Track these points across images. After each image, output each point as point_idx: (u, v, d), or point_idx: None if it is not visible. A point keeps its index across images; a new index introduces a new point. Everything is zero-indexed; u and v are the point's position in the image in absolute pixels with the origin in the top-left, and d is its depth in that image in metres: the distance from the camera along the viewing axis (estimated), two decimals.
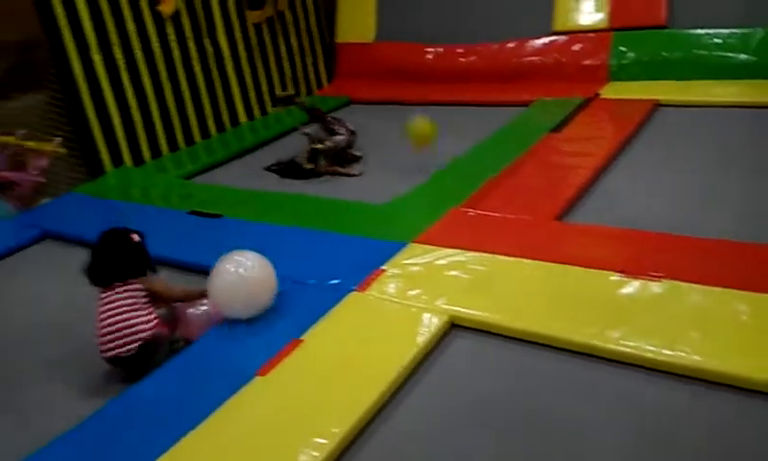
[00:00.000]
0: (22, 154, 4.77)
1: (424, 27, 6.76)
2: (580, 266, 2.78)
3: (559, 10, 6.08)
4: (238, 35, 6.16)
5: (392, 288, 2.84)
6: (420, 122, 4.37)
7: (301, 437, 2.07)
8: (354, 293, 2.85)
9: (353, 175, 4.63)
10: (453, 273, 2.91)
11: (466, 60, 6.42)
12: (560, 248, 2.98)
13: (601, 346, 2.33)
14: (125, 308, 2.63)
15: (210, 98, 5.93)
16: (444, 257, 3.02)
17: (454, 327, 2.62)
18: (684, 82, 5.32)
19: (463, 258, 3.00)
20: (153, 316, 2.68)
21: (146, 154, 5.43)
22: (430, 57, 6.65)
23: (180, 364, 2.60)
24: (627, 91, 5.35)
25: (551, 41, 6.05)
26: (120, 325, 2.60)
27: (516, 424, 2.12)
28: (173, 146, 5.65)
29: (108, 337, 2.60)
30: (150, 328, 2.63)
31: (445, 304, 2.68)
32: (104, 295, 2.68)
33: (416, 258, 3.05)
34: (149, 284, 2.75)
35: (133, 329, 2.60)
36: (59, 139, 4.92)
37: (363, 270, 2.99)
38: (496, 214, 3.41)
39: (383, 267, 3.00)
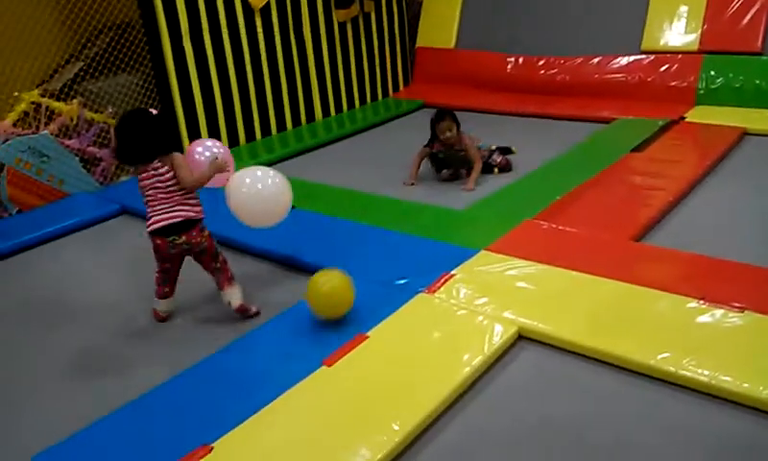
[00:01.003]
0: (108, 131, 4.96)
1: (506, 37, 6.71)
2: (656, 289, 2.70)
3: (649, 28, 5.94)
4: (323, 32, 6.25)
5: (460, 294, 2.83)
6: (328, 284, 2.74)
7: (363, 431, 2.09)
8: (422, 294, 2.85)
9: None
10: (523, 284, 2.87)
11: (546, 73, 6.34)
12: (636, 269, 2.90)
13: (674, 372, 2.25)
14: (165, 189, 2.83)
15: (290, 92, 6.04)
16: (516, 268, 2.99)
17: (521, 338, 2.59)
18: None
19: (534, 270, 2.96)
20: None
21: (224, 141, 5.57)
22: (510, 67, 6.59)
23: (248, 344, 2.66)
24: (714, 117, 5.17)
25: (637, 60, 5.91)
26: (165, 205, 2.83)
27: (577, 445, 2.07)
28: (250, 136, 5.78)
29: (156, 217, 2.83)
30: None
31: (513, 315, 2.64)
32: (141, 178, 2.85)
33: (487, 266, 3.03)
34: (177, 165, 2.84)
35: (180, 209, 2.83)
36: None
37: (433, 273, 2.98)
38: (572, 229, 3.35)
39: (453, 272, 2.99)
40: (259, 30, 5.67)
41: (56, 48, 5.03)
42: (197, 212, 2.89)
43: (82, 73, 5.01)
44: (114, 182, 4.98)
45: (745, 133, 4.86)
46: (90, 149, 4.89)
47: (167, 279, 3.00)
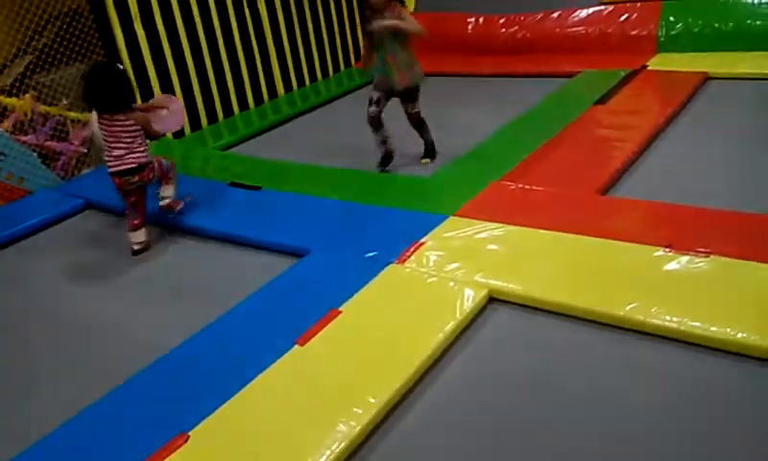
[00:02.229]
0: (65, 124, 4.84)
1: None
2: (624, 241, 2.72)
3: None
4: (278, 5, 6.13)
5: (430, 261, 2.82)
6: None
7: (339, 407, 2.08)
8: (393, 265, 2.84)
9: None
10: (493, 247, 2.86)
11: (507, 31, 6.30)
12: (603, 222, 2.91)
13: (643, 320, 2.28)
14: (125, 137, 3.42)
15: (249, 70, 5.93)
16: (485, 231, 2.98)
17: (492, 300, 2.59)
18: (736, 53, 5.14)
19: (503, 232, 2.95)
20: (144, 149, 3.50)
21: (186, 126, 5.47)
22: (470, 27, 6.54)
23: (220, 329, 2.63)
24: (675, 63, 5.19)
25: (596, 11, 5.90)
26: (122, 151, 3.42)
27: (553, 397, 2.09)
28: (212, 118, 5.68)
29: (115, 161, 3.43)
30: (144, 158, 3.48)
31: (484, 278, 2.65)
32: (102, 122, 3.42)
33: (455, 232, 3.02)
34: (135, 118, 3.44)
35: (133, 155, 3.43)
36: None
37: (402, 243, 2.97)
38: (538, 188, 3.35)
39: (423, 240, 2.98)
40: (212, 8, 5.54)
41: (1, 43, 4.87)
42: (147, 157, 3.49)
43: (32, 66, 4.86)
44: (76, 176, 4.87)
45: (707, 78, 4.89)
46: (48, 143, 4.77)
47: (135, 213, 3.53)
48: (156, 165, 3.57)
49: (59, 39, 4.82)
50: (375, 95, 4.01)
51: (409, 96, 4.01)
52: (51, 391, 2.57)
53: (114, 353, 2.72)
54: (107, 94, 3.38)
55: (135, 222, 3.53)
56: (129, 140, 3.42)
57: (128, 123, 3.41)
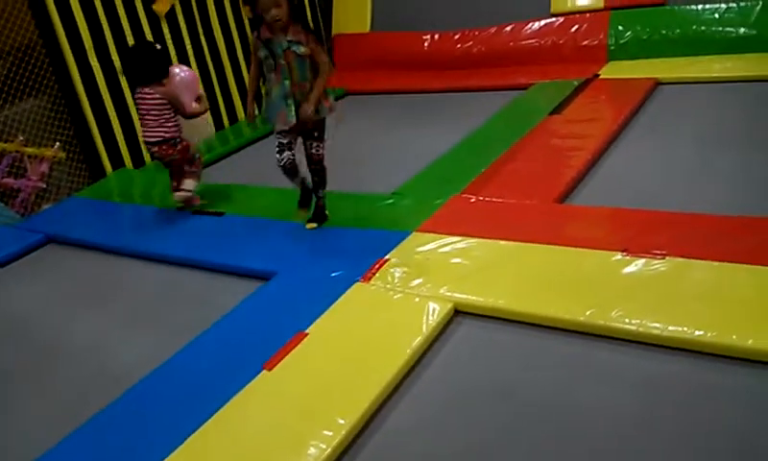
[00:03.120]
0: (22, 160, 4.78)
1: (420, 15, 6.74)
2: (582, 248, 2.78)
3: None
4: (234, 30, 6.15)
5: (395, 278, 2.84)
6: None
7: (309, 430, 2.08)
8: (358, 284, 2.86)
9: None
10: (456, 260, 2.90)
11: (462, 47, 6.39)
12: (562, 230, 2.97)
13: (604, 324, 2.33)
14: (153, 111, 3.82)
15: (208, 95, 5.91)
16: (447, 245, 3.02)
17: (458, 313, 2.62)
18: (684, 58, 5.29)
19: (465, 245, 2.99)
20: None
21: (146, 155, 5.42)
22: (426, 44, 6.62)
23: (187, 358, 2.62)
24: (626, 71, 5.32)
25: (548, 23, 6.02)
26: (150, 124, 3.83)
27: (521, 408, 2.12)
28: None
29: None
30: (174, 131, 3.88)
31: (449, 292, 2.68)
32: (135, 96, 3.87)
33: (419, 247, 3.05)
34: (161, 92, 3.80)
35: (159, 130, 3.83)
36: (58, 144, 4.94)
37: (366, 261, 2.99)
38: (498, 199, 3.40)
39: (386, 257, 3.00)
40: (168, 37, 5.53)
41: None
42: (171, 133, 3.84)
43: None
44: (36, 212, 4.80)
45: (658, 83, 5.02)
46: (5, 180, 4.70)
47: (172, 179, 4.06)
48: (181, 147, 3.89)
49: (11, 75, 4.77)
50: (285, 139, 3.23)
51: (313, 134, 3.32)
52: (18, 426, 2.53)
53: (82, 384, 2.70)
54: (133, 68, 3.86)
55: (174, 183, 4.03)
56: (155, 114, 3.79)
57: (156, 96, 3.78)
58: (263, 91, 3.36)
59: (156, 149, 3.85)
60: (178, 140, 3.88)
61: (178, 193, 3.98)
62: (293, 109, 3.16)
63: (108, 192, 4.86)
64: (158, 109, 3.79)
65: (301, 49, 3.09)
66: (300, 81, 3.14)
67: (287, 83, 3.12)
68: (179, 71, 4.05)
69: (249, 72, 3.54)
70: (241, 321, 2.80)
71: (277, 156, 3.25)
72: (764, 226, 2.72)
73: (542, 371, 2.27)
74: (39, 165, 4.83)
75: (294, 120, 3.17)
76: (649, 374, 2.16)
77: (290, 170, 3.29)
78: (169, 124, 3.83)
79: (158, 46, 3.96)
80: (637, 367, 2.19)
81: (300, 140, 3.34)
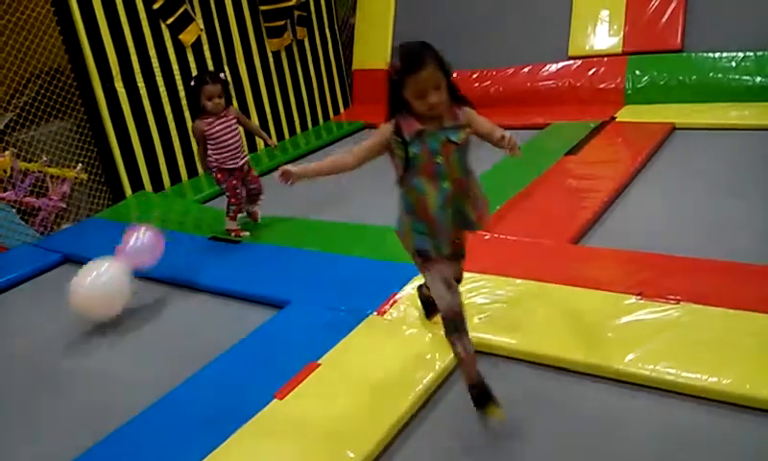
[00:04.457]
0: (44, 180, 4.87)
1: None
2: (596, 289, 2.79)
3: (574, 35, 6.13)
4: (258, 62, 6.27)
5: (410, 311, 2.86)
6: None
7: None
8: (372, 316, 2.87)
9: None
10: (470, 297, 2.91)
11: (480, 86, 6.47)
12: (576, 271, 2.98)
13: (617, 368, 2.33)
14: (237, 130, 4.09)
15: None
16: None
17: None
18: (700, 104, 5.32)
19: (479, 282, 3.01)
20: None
21: (166, 180, 5.52)
22: None
23: (198, 385, 2.64)
24: (643, 115, 5.36)
25: (566, 65, 6.09)
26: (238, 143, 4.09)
27: (532, 445, 2.12)
28: (192, 172, 5.73)
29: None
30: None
31: None
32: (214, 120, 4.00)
33: None
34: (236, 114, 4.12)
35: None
36: (81, 165, 5.03)
37: (381, 293, 3.01)
38: (513, 238, 3.42)
39: (402, 290, 3.02)
40: (193, 66, 5.65)
41: None
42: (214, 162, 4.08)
43: (12, 124, 4.90)
44: (55, 231, 4.88)
45: (674, 128, 5.05)
46: (27, 199, 4.79)
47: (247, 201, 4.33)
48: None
49: (39, 97, 4.88)
50: (449, 267, 2.33)
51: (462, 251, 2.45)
52: (30, 447, 2.55)
53: (95, 407, 2.72)
54: (226, 95, 4.07)
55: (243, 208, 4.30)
56: (239, 137, 4.12)
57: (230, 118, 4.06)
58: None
59: (246, 165, 4.14)
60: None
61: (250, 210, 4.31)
62: (451, 220, 2.23)
63: (127, 214, 4.93)
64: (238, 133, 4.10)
65: (461, 135, 2.26)
66: (461, 176, 2.27)
67: (446, 185, 2.22)
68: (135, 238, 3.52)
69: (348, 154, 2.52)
70: (253, 349, 2.82)
71: (447, 296, 2.21)
72: None
73: (555, 413, 2.27)
74: (61, 186, 4.91)
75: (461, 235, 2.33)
76: (662, 419, 2.15)
77: (463, 316, 2.24)
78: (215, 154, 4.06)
79: (222, 75, 4.11)
80: (651, 412, 2.18)
81: None
